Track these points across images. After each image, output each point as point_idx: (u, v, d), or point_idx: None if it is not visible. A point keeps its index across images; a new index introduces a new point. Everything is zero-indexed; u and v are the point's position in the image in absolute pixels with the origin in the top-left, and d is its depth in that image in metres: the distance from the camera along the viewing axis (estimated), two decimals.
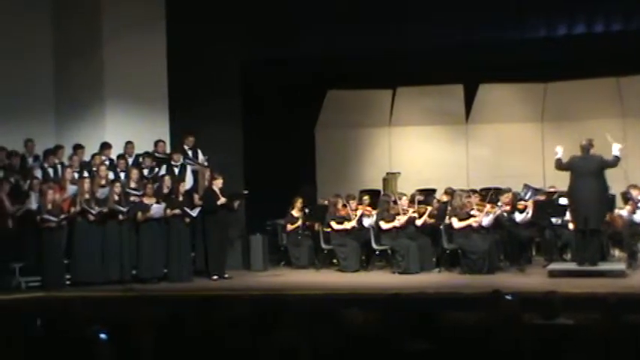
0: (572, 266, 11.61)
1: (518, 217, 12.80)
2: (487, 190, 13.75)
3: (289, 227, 14.08)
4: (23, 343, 5.12)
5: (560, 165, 11.66)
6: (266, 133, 15.89)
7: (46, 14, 13.65)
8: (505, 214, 12.72)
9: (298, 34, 15.19)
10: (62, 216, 11.95)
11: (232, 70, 14.77)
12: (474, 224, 12.43)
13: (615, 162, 11.36)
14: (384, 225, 13.02)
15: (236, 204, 13.05)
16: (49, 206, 11.87)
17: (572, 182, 11.50)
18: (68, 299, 10.78)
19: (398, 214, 13.04)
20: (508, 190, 13.18)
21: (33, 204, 12.04)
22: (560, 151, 11.66)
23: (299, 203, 14.12)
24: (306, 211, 14.15)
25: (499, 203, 12.77)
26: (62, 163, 12.83)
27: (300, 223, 14.02)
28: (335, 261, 13.58)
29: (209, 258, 12.77)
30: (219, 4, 14.43)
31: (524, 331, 5.53)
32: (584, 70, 14.97)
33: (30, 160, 12.88)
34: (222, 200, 12.66)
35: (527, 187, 13.59)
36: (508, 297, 6.22)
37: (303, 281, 12.30)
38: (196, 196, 12.85)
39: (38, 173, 12.59)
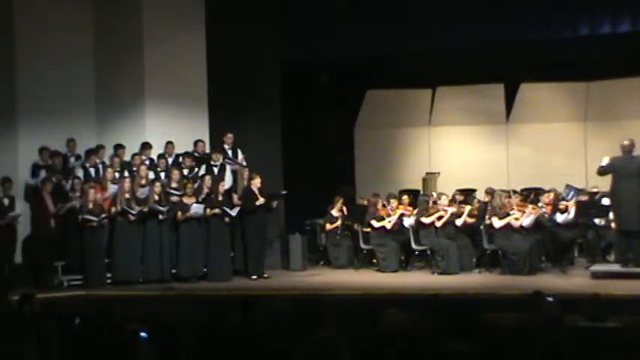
0: (616, 268, 11.42)
1: (560, 217, 12.64)
2: (528, 190, 13.62)
3: (328, 227, 14.06)
4: (63, 342, 5.16)
5: (602, 171, 11.43)
6: (305, 133, 15.90)
7: (87, 15, 13.79)
8: (547, 214, 12.56)
9: (338, 33, 15.17)
10: (103, 215, 12.06)
11: (272, 70, 14.79)
12: (514, 223, 12.29)
13: None
14: (424, 219, 12.93)
15: (274, 204, 13.07)
16: (90, 206, 11.99)
17: (613, 183, 11.32)
18: (109, 298, 10.88)
19: (437, 213, 12.95)
20: (550, 191, 13.02)
21: (75, 203, 12.17)
22: (605, 161, 11.40)
23: (339, 203, 14.10)
24: (345, 210, 14.10)
25: (540, 204, 12.62)
26: (103, 163, 12.96)
27: (339, 223, 14.00)
28: (374, 261, 13.54)
29: (248, 258, 12.80)
30: (259, 4, 14.47)
31: (565, 334, 5.44)
32: (627, 68, 14.74)
33: (72, 160, 13.03)
34: (260, 200, 12.68)
35: (569, 187, 13.42)
36: (549, 298, 6.13)
37: (341, 281, 12.28)
38: (235, 196, 12.89)
39: (80, 173, 12.72)
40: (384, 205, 13.48)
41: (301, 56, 15.50)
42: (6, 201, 12.03)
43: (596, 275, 11.21)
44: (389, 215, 13.33)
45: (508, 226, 12.33)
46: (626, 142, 11.28)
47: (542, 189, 13.39)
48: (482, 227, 12.73)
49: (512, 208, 12.43)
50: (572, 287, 10.25)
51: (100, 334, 5.07)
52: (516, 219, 12.30)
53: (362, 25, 14.94)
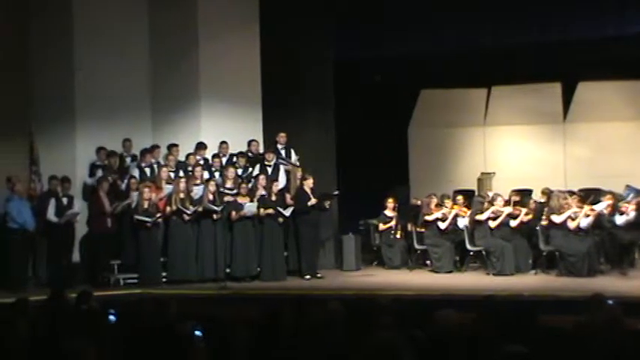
0: None
1: (620, 219, 12.38)
2: (586, 191, 13.38)
3: (382, 227, 14.00)
4: (120, 339, 5.22)
5: None
6: (359, 133, 15.86)
7: (143, 16, 13.95)
8: (606, 215, 12.32)
9: (392, 33, 15.11)
10: (158, 215, 12.18)
11: (325, 70, 14.79)
12: (572, 225, 12.07)
13: None
14: (479, 216, 12.78)
15: (327, 204, 13.06)
16: (146, 205, 12.12)
17: None
18: (164, 297, 10.99)
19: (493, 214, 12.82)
20: (609, 192, 12.77)
21: (130, 201, 12.33)
22: None
23: (392, 203, 14.03)
24: (399, 210, 14.00)
25: (600, 205, 12.38)
26: (158, 163, 13.09)
27: (393, 223, 13.92)
28: (428, 262, 13.44)
29: (301, 257, 12.81)
30: (313, 4, 14.48)
31: (625, 338, 5.32)
32: None
33: (128, 160, 13.19)
34: (313, 200, 12.69)
35: (629, 188, 13.14)
36: (609, 301, 6.00)
37: (395, 282, 12.22)
38: (288, 196, 12.92)
39: (135, 172, 12.88)
40: (438, 205, 13.37)
41: (355, 56, 15.47)
42: (65, 200, 12.25)
43: None
44: (443, 215, 13.20)
45: (565, 226, 12.11)
46: None
47: (601, 190, 13.14)
48: (538, 228, 12.54)
49: (570, 209, 12.20)
50: (632, 290, 10.02)
51: (155, 333, 5.11)
52: (573, 219, 12.08)
53: (415, 25, 14.86)
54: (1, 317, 5.46)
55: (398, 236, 13.82)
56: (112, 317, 6.05)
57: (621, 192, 13.06)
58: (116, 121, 13.29)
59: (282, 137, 13.54)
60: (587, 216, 12.12)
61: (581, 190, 13.47)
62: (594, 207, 12.28)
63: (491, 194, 13.43)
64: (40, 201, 12.31)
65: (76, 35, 13.14)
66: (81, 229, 12.57)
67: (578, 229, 12.13)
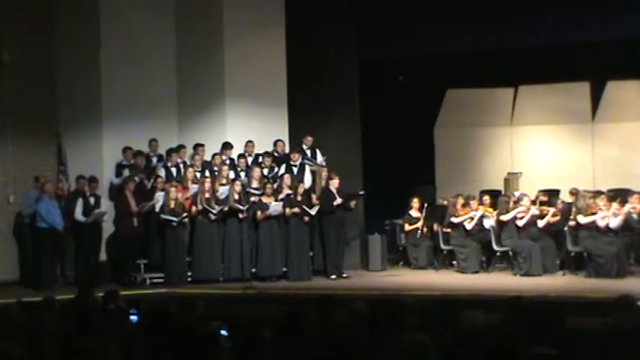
0: None
1: None
2: (615, 191, 13.24)
3: (408, 227, 13.95)
4: (146, 338, 5.23)
5: None
6: (385, 133, 15.81)
7: (170, 17, 14.01)
8: (635, 215, 12.19)
9: (417, 33, 15.06)
10: (184, 215, 12.22)
11: (351, 70, 14.75)
12: (601, 224, 11.96)
13: None
14: (503, 217, 12.70)
15: (352, 204, 13.05)
16: (172, 205, 12.17)
17: None
18: (190, 296, 11.02)
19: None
20: (638, 192, 12.63)
21: (157, 203, 12.38)
22: None
23: (418, 203, 13.98)
24: (425, 210, 13.94)
25: (628, 205, 12.25)
26: (184, 163, 13.14)
27: (419, 223, 13.85)
28: (454, 262, 13.38)
29: (327, 257, 12.81)
30: (339, 4, 14.46)
31: None
32: None
33: (154, 160, 13.25)
34: (338, 200, 12.67)
35: None
36: (639, 303, 5.92)
37: (421, 282, 12.18)
38: (313, 196, 12.91)
39: (162, 172, 12.94)
40: (464, 205, 13.30)
41: (380, 56, 15.43)
42: (92, 200, 12.33)
43: None
44: (469, 215, 13.13)
45: (594, 226, 11.99)
46: None
47: (630, 190, 13.00)
48: (566, 228, 12.43)
49: (599, 209, 12.09)
50: None
51: (181, 332, 5.13)
52: (602, 218, 11.96)
53: (441, 24, 14.80)
54: (29, 316, 5.51)
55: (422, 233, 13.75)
56: (134, 317, 6.09)
57: None
58: (142, 122, 13.35)
59: (308, 140, 13.56)
60: (616, 215, 11.99)
61: (609, 191, 13.34)
62: (621, 207, 12.16)
63: (517, 194, 13.33)
64: (67, 201, 12.41)
65: (102, 36, 13.23)
66: (108, 228, 12.66)
67: (607, 229, 12.01)
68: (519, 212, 12.66)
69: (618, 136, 15.46)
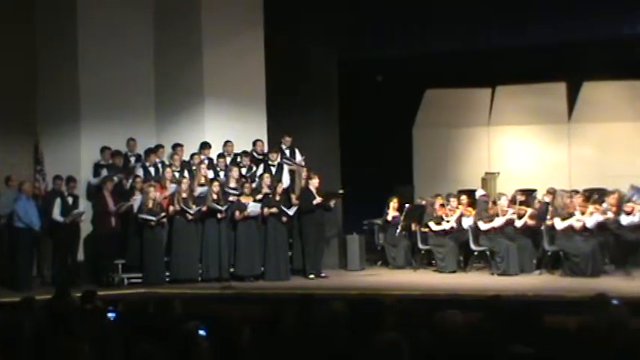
0: None
1: (625, 219, 12.35)
2: (591, 190, 13.36)
3: (389, 218, 13.87)
4: (123, 339, 5.22)
5: None
6: (363, 133, 15.85)
7: (148, 17, 13.97)
8: (611, 215, 12.30)
9: (396, 33, 15.09)
10: (162, 214, 12.19)
11: (329, 70, 14.79)
12: (577, 225, 12.07)
13: None
14: (482, 225, 12.79)
15: (332, 203, 13.07)
16: (150, 205, 12.14)
17: None
18: (168, 296, 11.00)
19: (497, 214, 12.79)
20: (614, 192, 12.75)
21: (135, 202, 12.34)
22: None
23: (395, 203, 14.02)
24: (404, 210, 13.95)
25: (604, 205, 12.36)
26: (163, 162, 13.11)
27: (397, 213, 13.78)
28: (432, 261, 13.43)
29: (306, 257, 12.82)
30: (317, 4, 14.47)
31: (630, 338, 5.30)
32: None
33: (132, 160, 13.21)
34: (318, 200, 12.69)
35: (634, 188, 13.12)
36: (614, 301, 5.98)
37: (399, 281, 12.22)
38: (293, 196, 12.92)
39: (140, 172, 12.89)
40: (442, 205, 13.36)
41: (359, 56, 15.46)
42: (70, 200, 12.27)
43: None
44: (447, 215, 13.20)
45: (570, 227, 12.11)
46: None
47: (606, 190, 13.12)
48: (543, 228, 12.52)
49: (575, 209, 12.20)
50: (637, 290, 10.00)
51: (159, 332, 5.12)
52: (578, 220, 12.08)
53: (419, 25, 14.84)
54: (6, 316, 5.47)
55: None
56: (111, 314, 6.08)
57: (626, 192, 13.03)
58: (121, 121, 13.30)
59: (287, 140, 13.57)
60: (593, 214, 12.10)
61: (585, 190, 13.46)
62: (599, 206, 12.27)
63: (492, 197, 13.39)
64: (45, 200, 12.34)
65: (80, 36, 13.17)
66: (85, 228, 12.59)
67: (584, 229, 12.11)
68: (498, 219, 12.71)
69: (594, 136, 15.60)
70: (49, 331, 5.58)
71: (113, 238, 12.41)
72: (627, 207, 12.45)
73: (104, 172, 12.76)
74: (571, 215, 12.16)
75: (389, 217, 13.96)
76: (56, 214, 12.15)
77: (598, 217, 12.12)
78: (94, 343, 4.76)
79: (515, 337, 4.96)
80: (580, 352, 4.94)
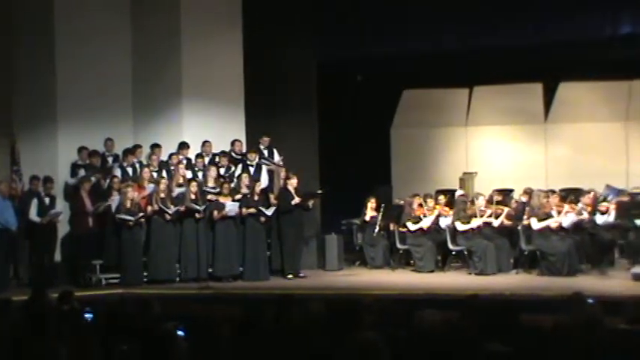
0: None
1: (600, 218, 12.47)
2: (567, 190, 13.47)
3: (367, 218, 13.92)
4: (101, 339, 5.20)
5: None
6: (341, 133, 15.88)
7: (125, 17, 13.91)
8: (586, 215, 12.41)
9: (375, 33, 15.14)
10: (140, 215, 12.15)
11: (308, 71, 14.80)
12: (554, 225, 12.17)
13: None
14: (460, 226, 12.85)
15: (310, 203, 13.08)
16: (128, 205, 12.09)
17: None
18: (146, 296, 10.96)
19: (475, 214, 12.86)
20: (589, 191, 12.86)
21: (113, 203, 12.29)
22: None
23: (373, 203, 14.05)
24: (381, 209, 13.99)
25: (580, 204, 12.47)
26: (140, 162, 13.06)
27: (377, 221, 13.84)
28: (411, 261, 13.48)
29: (284, 257, 12.82)
30: (295, 5, 14.48)
31: (606, 336, 5.36)
32: None
33: (110, 160, 13.15)
34: (296, 200, 12.70)
35: (609, 187, 13.25)
36: (590, 300, 6.04)
37: (378, 281, 12.25)
38: (271, 196, 12.92)
39: (118, 172, 12.84)
40: (420, 205, 13.41)
41: (337, 56, 15.48)
42: (47, 200, 12.20)
43: (637, 277, 11.04)
44: (425, 215, 13.25)
45: (546, 227, 12.20)
46: None
47: (582, 189, 13.24)
48: (520, 228, 12.61)
49: (552, 208, 12.29)
50: (612, 289, 10.10)
51: (137, 333, 5.10)
52: (555, 221, 12.17)
53: (397, 26, 14.89)
54: None
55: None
56: (88, 315, 6.06)
57: (601, 192, 13.15)
58: (98, 122, 13.24)
59: (265, 140, 13.58)
60: (568, 215, 12.20)
61: (562, 190, 13.57)
62: (575, 205, 12.38)
63: (470, 197, 13.45)
64: (22, 201, 12.25)
65: (57, 36, 13.09)
66: (62, 229, 12.52)
67: (560, 228, 12.21)
68: (475, 219, 12.78)
69: (570, 137, 15.73)
70: (26, 332, 5.55)
71: (90, 239, 12.35)
72: (602, 207, 12.57)
73: (82, 173, 12.70)
74: (547, 215, 12.25)
75: (367, 217, 14.01)
76: (33, 214, 12.07)
77: (574, 217, 12.22)
78: (71, 344, 4.74)
79: (493, 336, 5.00)
80: (556, 350, 4.98)
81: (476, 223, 12.76)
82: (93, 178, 12.54)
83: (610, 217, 12.42)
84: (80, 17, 13.22)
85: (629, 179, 14.19)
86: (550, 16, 14.29)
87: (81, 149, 12.85)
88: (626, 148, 15.16)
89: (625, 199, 12.76)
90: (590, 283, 11.01)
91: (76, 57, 13.13)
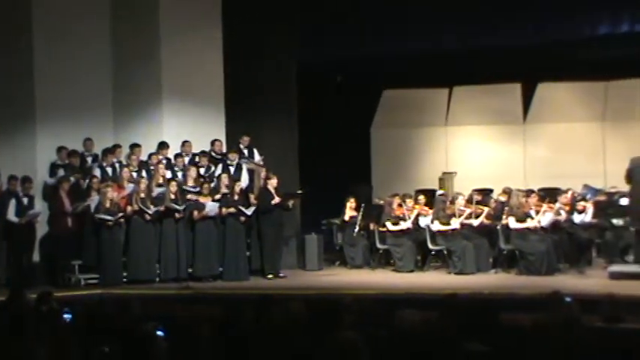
0: (634, 268, 11.34)
1: (578, 218, 12.57)
2: (545, 190, 13.56)
3: (347, 218, 13.95)
4: (79, 340, 5.18)
5: (627, 176, 11.29)
6: (322, 133, 15.90)
7: (104, 15, 13.84)
8: (564, 214, 12.50)
9: (355, 34, 15.17)
10: (119, 215, 12.10)
11: (288, 70, 14.80)
12: (532, 224, 12.25)
13: None
14: (439, 227, 12.89)
15: (291, 203, 13.09)
16: (108, 205, 12.04)
17: (633, 182, 11.23)
18: (126, 297, 10.91)
19: (454, 214, 12.92)
20: (567, 191, 12.96)
21: (92, 203, 12.23)
22: None
23: (353, 203, 14.08)
24: (361, 209, 14.02)
25: (558, 204, 12.56)
26: (120, 162, 13.01)
27: (357, 220, 13.87)
28: (390, 261, 13.52)
29: (264, 257, 12.81)
30: (276, 4, 14.48)
31: (583, 335, 5.41)
32: None
33: (89, 160, 13.09)
34: (276, 200, 12.70)
35: (587, 187, 13.36)
36: (567, 299, 6.09)
37: (358, 281, 12.27)
38: (251, 196, 12.91)
39: (97, 172, 12.78)
40: (400, 205, 13.45)
41: (317, 57, 15.50)
42: (25, 200, 12.11)
43: (614, 276, 11.14)
44: (405, 215, 13.29)
45: (525, 227, 12.28)
46: None
47: (560, 189, 13.34)
48: (499, 227, 12.68)
49: (530, 208, 12.38)
50: (589, 288, 10.18)
51: (117, 333, 5.09)
52: (533, 220, 12.26)
53: (378, 26, 14.93)
54: None
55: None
56: (67, 316, 6.03)
57: (579, 191, 13.26)
58: (77, 121, 13.16)
59: (245, 140, 13.57)
60: (547, 213, 12.29)
61: (540, 190, 13.66)
62: (553, 205, 12.47)
63: (450, 197, 13.51)
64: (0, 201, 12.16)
65: (35, 34, 12.98)
66: (41, 229, 12.44)
67: (538, 227, 12.29)
68: (455, 219, 12.84)
69: (548, 137, 15.85)
70: (4, 333, 5.52)
71: (69, 239, 12.28)
72: (580, 206, 12.67)
73: (61, 172, 12.62)
74: (526, 215, 12.33)
75: (346, 217, 14.03)
76: (11, 214, 11.98)
77: (552, 217, 12.31)
78: (49, 344, 4.73)
79: (472, 335, 5.02)
80: (535, 349, 5.02)
81: (455, 223, 12.81)
82: (72, 178, 12.46)
83: (587, 217, 12.52)
84: (59, 17, 13.13)
85: (606, 179, 14.31)
86: (529, 17, 14.38)
87: (60, 149, 12.77)
88: (603, 148, 15.28)
89: (602, 198, 12.88)
90: (568, 282, 11.09)
91: (55, 57, 13.04)
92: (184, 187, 12.63)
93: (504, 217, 12.59)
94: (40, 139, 12.96)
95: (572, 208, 12.66)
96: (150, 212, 12.22)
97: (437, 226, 12.87)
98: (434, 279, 12.35)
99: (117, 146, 13.17)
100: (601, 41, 14.64)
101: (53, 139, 12.85)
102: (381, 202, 14.15)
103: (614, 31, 14.45)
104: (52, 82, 13.03)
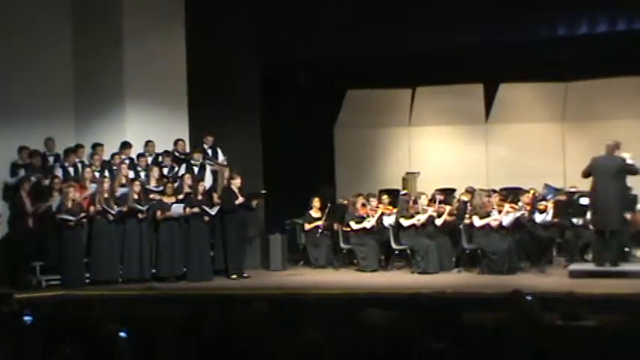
0: (593, 267, 11.51)
1: (539, 217, 12.71)
2: (507, 190, 13.70)
3: (307, 227, 14.07)
4: (41, 342, 5.14)
5: (585, 172, 11.45)
6: (285, 133, 15.90)
7: (66, 14, 13.72)
8: (526, 214, 12.64)
9: (319, 34, 15.17)
10: (81, 215, 12.00)
11: (252, 70, 14.78)
12: (494, 224, 12.38)
13: (635, 170, 11.20)
14: (404, 222, 12.96)
15: (254, 203, 13.08)
16: (70, 205, 11.93)
17: (593, 182, 11.40)
18: (88, 298, 10.82)
19: (417, 213, 13.00)
20: (529, 191, 13.10)
21: (54, 203, 12.11)
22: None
23: (317, 203, 14.12)
24: (327, 210, 14.07)
25: (519, 203, 12.70)
26: (82, 162, 12.90)
27: (320, 222, 13.98)
28: (354, 261, 13.56)
29: (228, 257, 12.79)
30: (239, 4, 14.45)
31: (544, 332, 5.48)
32: (605, 69, 14.85)
33: (51, 160, 12.95)
34: (240, 200, 12.68)
35: (547, 187, 13.51)
36: (528, 297, 6.16)
37: (321, 281, 12.29)
38: (215, 196, 12.88)
39: (59, 172, 12.66)
40: (363, 205, 13.50)
41: (280, 56, 15.49)
42: None
43: (573, 274, 11.29)
44: (369, 215, 13.35)
45: (487, 225, 12.40)
46: (610, 142, 11.31)
47: (522, 189, 13.48)
48: (461, 227, 12.78)
49: (493, 207, 12.50)
50: (550, 286, 10.29)
51: (78, 334, 5.05)
52: (496, 219, 12.38)
53: (341, 26, 14.95)
54: None
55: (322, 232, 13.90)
56: (27, 318, 5.97)
57: (540, 191, 13.40)
58: (38, 121, 13.02)
59: (208, 140, 13.53)
60: (509, 213, 12.42)
61: (502, 190, 13.80)
62: (515, 205, 12.61)
63: (413, 196, 13.61)
64: None
65: None
66: (1, 229, 12.28)
67: (501, 226, 12.42)
68: (419, 217, 12.92)
69: (510, 137, 15.99)
70: None
71: (30, 240, 12.14)
72: (541, 206, 12.81)
73: (22, 172, 12.47)
74: (489, 214, 12.45)
75: (306, 227, 14.05)
76: None
77: (513, 216, 12.44)
78: (10, 346, 4.68)
79: (435, 334, 5.06)
80: (497, 347, 5.07)
81: (420, 217, 12.87)
82: (33, 178, 12.33)
83: (548, 216, 12.67)
84: (19, 14, 12.99)
85: (566, 178, 14.48)
86: (491, 17, 14.49)
87: (21, 149, 12.62)
88: (562, 148, 15.46)
89: (562, 198, 13.02)
90: (529, 280, 11.21)
91: (15, 55, 12.91)
92: (147, 187, 12.56)
93: (467, 216, 12.70)
94: (0, 139, 12.79)
95: (534, 208, 12.81)
96: (113, 212, 12.14)
97: (404, 222, 12.92)
98: (397, 278, 12.41)
99: (79, 146, 13.06)
100: (560, 42, 14.81)
101: (14, 138, 12.69)
102: (345, 202, 14.19)
103: (573, 33, 14.64)
104: (12, 82, 12.88)
